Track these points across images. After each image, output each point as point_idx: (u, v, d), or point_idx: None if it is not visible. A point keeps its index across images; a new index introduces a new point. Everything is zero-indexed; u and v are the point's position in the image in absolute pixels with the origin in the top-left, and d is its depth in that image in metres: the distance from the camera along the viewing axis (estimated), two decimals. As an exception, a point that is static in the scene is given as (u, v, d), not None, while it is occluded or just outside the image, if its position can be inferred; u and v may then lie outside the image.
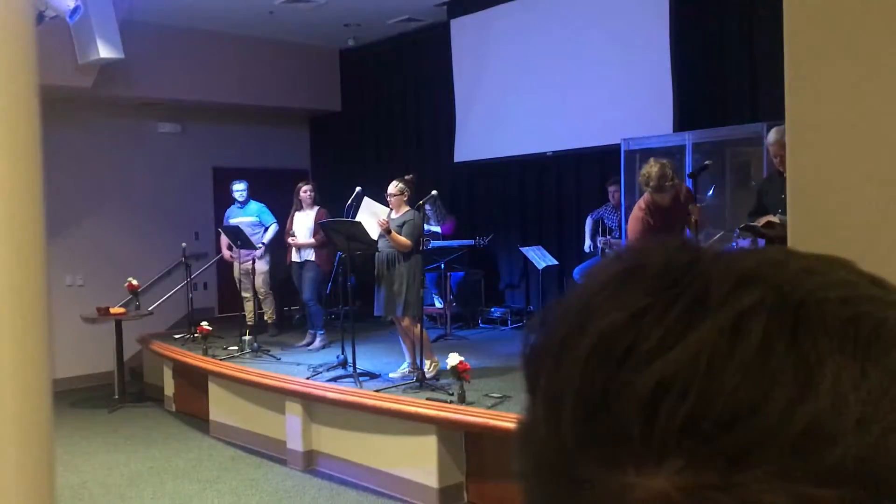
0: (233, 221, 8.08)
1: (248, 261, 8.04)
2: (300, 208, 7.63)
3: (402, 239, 5.76)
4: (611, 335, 0.34)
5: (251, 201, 8.25)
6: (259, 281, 8.23)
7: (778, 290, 0.34)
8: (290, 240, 7.59)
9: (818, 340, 0.33)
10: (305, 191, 7.60)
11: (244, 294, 8.24)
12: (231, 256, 8.13)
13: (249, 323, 8.16)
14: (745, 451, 0.31)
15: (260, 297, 8.34)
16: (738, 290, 0.34)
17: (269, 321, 8.41)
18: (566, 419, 0.34)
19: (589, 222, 7.32)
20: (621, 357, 0.34)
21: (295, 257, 7.59)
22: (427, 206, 7.90)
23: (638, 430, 0.32)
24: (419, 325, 5.72)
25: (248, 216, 8.18)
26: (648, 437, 0.32)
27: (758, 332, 0.32)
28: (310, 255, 7.48)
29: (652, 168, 4.50)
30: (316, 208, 7.56)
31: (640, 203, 4.65)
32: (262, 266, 8.23)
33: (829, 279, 0.35)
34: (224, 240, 8.22)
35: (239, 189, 8.20)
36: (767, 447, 0.31)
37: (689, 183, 5.32)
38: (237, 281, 8.23)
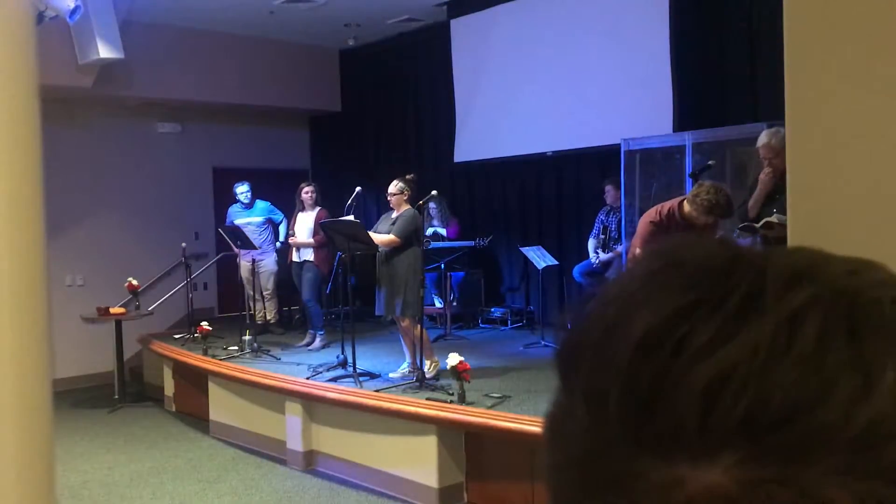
0: (238, 222, 8.08)
1: (262, 258, 8.08)
2: (302, 209, 7.64)
3: (384, 237, 5.77)
4: (660, 328, 0.34)
5: (257, 201, 8.27)
6: (266, 280, 8.24)
7: (831, 287, 0.34)
8: (290, 240, 7.64)
9: (875, 338, 0.33)
10: (307, 192, 7.61)
11: (256, 296, 8.26)
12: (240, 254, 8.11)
13: (259, 322, 8.19)
14: (806, 446, 0.31)
15: (266, 297, 8.35)
16: (793, 286, 0.34)
17: (272, 321, 8.41)
18: (613, 412, 0.34)
19: (592, 243, 7.31)
20: (673, 350, 0.34)
21: (294, 257, 7.62)
22: (432, 205, 7.93)
23: (694, 422, 0.32)
24: (419, 325, 5.72)
25: (256, 216, 8.21)
26: (704, 430, 0.32)
27: (815, 328, 0.33)
28: (308, 255, 7.49)
29: (719, 196, 4.25)
30: (317, 209, 7.57)
31: (664, 210, 4.45)
32: (271, 266, 8.26)
33: (874, 279, 0.36)
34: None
35: (243, 191, 8.23)
36: (828, 443, 0.31)
37: (689, 183, 5.31)
38: (245, 280, 8.21)
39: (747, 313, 0.34)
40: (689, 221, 4.36)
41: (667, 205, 4.50)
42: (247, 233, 7.90)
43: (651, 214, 4.51)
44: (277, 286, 8.54)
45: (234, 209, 8.34)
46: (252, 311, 8.20)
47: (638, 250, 4.50)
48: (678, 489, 0.33)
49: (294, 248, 7.60)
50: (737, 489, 0.32)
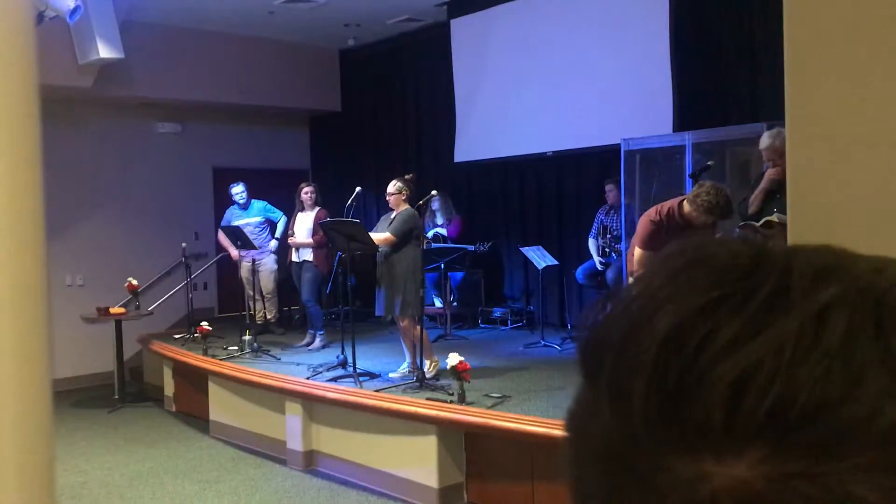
0: (235, 223, 8.07)
1: (261, 258, 8.06)
2: (302, 209, 7.63)
3: (380, 235, 5.80)
4: (685, 324, 0.35)
5: (253, 201, 8.24)
6: (266, 280, 8.20)
7: (858, 284, 0.34)
8: (289, 240, 7.63)
9: None
10: (307, 192, 7.59)
11: (255, 296, 8.25)
12: (238, 255, 8.10)
13: (259, 322, 8.19)
14: (833, 442, 0.32)
15: (266, 296, 8.30)
16: (819, 283, 0.34)
17: (272, 320, 8.36)
18: (637, 407, 0.34)
19: (592, 243, 7.30)
20: (698, 346, 0.34)
21: (294, 257, 7.61)
22: (437, 199, 7.98)
23: (719, 418, 0.33)
24: (419, 325, 5.73)
25: (253, 216, 8.17)
26: (730, 425, 0.33)
27: (842, 324, 0.33)
28: (308, 255, 7.48)
29: (719, 197, 4.22)
30: (317, 209, 7.56)
31: (664, 209, 4.44)
32: (270, 265, 8.22)
33: None
34: (226, 240, 8.19)
35: (238, 192, 8.20)
36: (856, 439, 0.31)
37: (689, 183, 5.30)
38: (245, 281, 8.20)
39: (773, 310, 0.34)
40: (688, 221, 4.37)
41: (666, 204, 4.50)
42: (248, 230, 7.89)
43: (651, 214, 4.51)
44: (278, 286, 8.52)
45: (231, 210, 8.33)
46: (252, 311, 8.19)
47: (638, 250, 4.50)
48: (703, 484, 0.33)
49: (293, 249, 7.59)
50: (763, 484, 0.32)
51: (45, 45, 7.33)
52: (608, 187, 7.17)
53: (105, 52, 7.54)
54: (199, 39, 9.09)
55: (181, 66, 8.96)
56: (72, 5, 6.08)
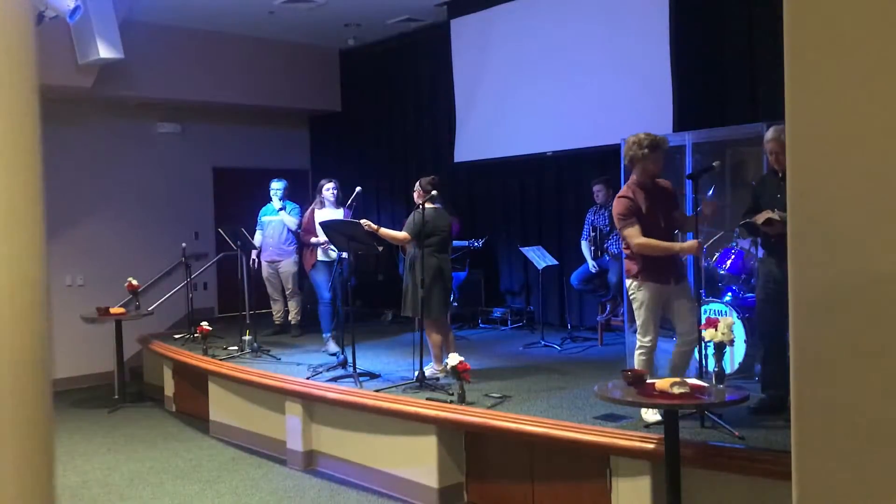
0: (266, 219, 8.05)
1: (279, 260, 8.00)
2: (322, 206, 7.41)
3: (395, 233, 5.92)
4: None
5: (287, 201, 8.08)
6: (286, 280, 8.10)
7: None
8: (311, 239, 7.33)
9: None
10: (328, 188, 7.40)
11: (274, 295, 8.22)
12: (253, 261, 8.04)
13: (277, 323, 8.18)
14: None
15: (287, 296, 8.22)
16: None
17: (293, 322, 8.20)
18: None
19: (585, 246, 7.29)
20: None
21: (322, 256, 7.32)
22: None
23: None
24: (429, 326, 5.79)
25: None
26: None
27: None
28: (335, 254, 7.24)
29: (640, 139, 4.51)
30: (341, 208, 7.36)
31: (631, 185, 4.66)
32: (290, 266, 8.07)
33: None
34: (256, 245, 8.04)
35: (276, 187, 8.05)
36: None
37: (688, 184, 5.31)
38: (266, 281, 8.16)
39: None
40: (652, 178, 4.54)
41: (629, 184, 4.66)
42: (271, 229, 7.89)
43: (622, 191, 4.71)
44: (299, 287, 8.35)
45: (267, 207, 8.13)
46: (272, 311, 8.15)
47: (629, 229, 4.53)
48: None
49: (320, 249, 7.29)
50: None
51: (45, 45, 7.34)
52: (596, 188, 7.16)
53: (105, 52, 7.55)
54: (199, 39, 9.10)
55: (181, 66, 8.97)
56: (72, 5, 6.08)
